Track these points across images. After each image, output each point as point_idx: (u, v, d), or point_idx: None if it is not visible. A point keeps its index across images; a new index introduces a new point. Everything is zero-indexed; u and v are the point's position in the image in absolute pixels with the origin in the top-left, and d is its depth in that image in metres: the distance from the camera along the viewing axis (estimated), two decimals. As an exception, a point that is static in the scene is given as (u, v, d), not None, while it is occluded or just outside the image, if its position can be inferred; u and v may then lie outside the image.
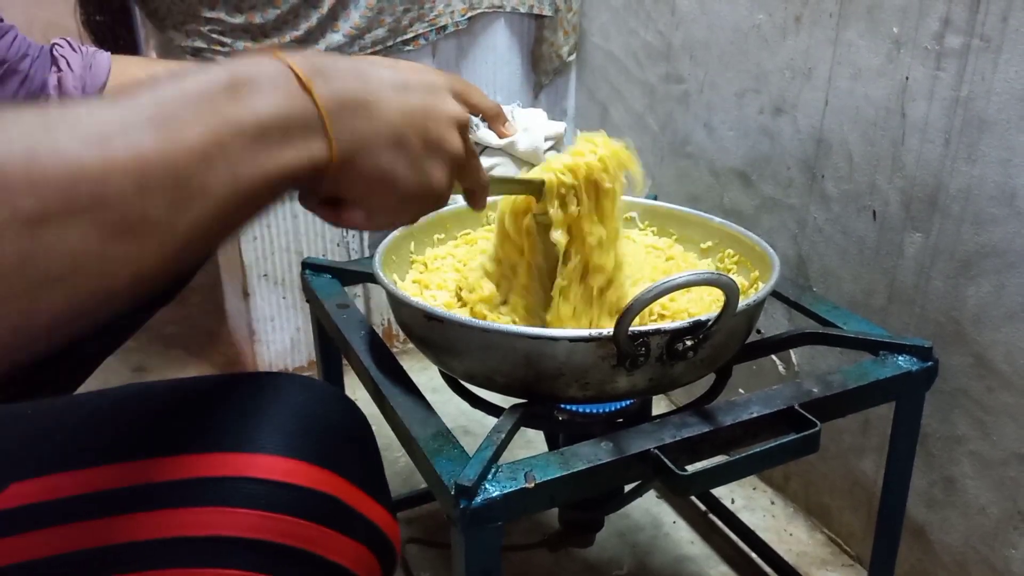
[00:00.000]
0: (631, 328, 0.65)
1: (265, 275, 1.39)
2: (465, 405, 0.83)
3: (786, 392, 0.73)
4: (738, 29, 1.09)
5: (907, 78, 0.88)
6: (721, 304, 0.66)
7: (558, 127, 1.03)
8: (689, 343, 0.69)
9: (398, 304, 0.75)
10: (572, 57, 1.45)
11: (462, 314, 0.79)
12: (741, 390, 1.20)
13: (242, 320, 1.44)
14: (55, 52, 0.81)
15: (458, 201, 1.00)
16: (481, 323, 0.71)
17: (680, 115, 1.23)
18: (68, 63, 0.81)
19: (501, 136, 0.99)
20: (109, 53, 0.85)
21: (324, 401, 0.51)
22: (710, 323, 0.68)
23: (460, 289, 0.83)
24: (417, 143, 0.48)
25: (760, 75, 1.07)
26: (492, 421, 0.70)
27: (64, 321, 0.33)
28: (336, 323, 0.87)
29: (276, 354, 1.45)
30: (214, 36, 1.22)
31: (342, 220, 0.49)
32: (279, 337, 1.44)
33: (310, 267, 0.98)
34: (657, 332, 0.67)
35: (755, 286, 0.85)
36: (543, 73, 1.46)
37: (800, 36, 1.01)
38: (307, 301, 0.97)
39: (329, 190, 0.46)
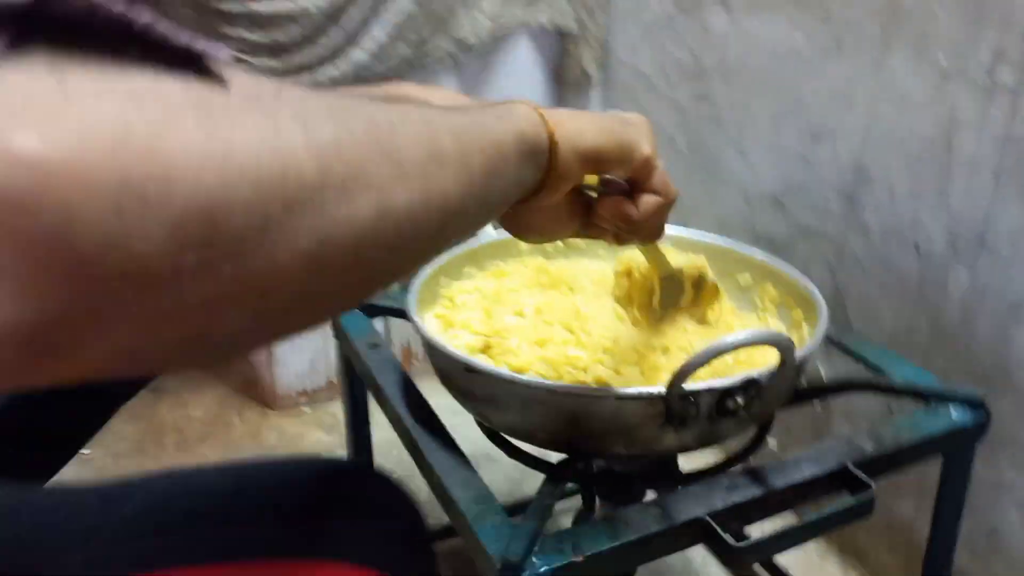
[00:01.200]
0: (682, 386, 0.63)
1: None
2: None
3: (838, 450, 0.71)
4: (775, 52, 1.06)
5: (954, 111, 0.85)
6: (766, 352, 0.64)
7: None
8: (740, 401, 0.66)
9: (434, 351, 0.73)
10: (598, 73, 1.42)
11: (490, 361, 0.76)
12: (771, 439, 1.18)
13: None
14: None
15: (489, 233, 0.97)
16: (525, 378, 0.69)
17: (711, 137, 1.20)
18: None
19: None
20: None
21: (396, 503, 0.55)
22: (762, 381, 0.66)
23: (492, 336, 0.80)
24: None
25: (797, 99, 1.04)
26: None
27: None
28: (368, 364, 0.85)
29: (295, 376, 1.43)
30: (234, 55, 1.19)
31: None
32: (298, 359, 1.42)
33: (337, 301, 0.95)
34: (708, 391, 0.65)
35: (799, 328, 0.82)
36: (568, 89, 1.43)
37: (841, 61, 0.98)
38: (335, 337, 0.95)
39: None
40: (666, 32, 1.26)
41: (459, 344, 0.79)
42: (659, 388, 0.64)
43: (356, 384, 0.96)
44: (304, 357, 1.42)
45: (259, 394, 1.49)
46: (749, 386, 0.66)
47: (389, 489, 0.57)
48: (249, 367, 1.56)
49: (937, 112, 0.87)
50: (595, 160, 0.47)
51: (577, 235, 0.57)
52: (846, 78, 0.97)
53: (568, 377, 0.73)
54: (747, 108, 1.13)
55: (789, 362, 0.64)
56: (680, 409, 0.65)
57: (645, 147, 0.51)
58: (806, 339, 0.80)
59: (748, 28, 1.10)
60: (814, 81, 1.01)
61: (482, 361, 0.73)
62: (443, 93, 0.98)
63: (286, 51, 1.20)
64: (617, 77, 1.41)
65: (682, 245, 0.96)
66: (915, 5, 0.88)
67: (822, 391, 0.81)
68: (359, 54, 1.24)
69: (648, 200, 0.54)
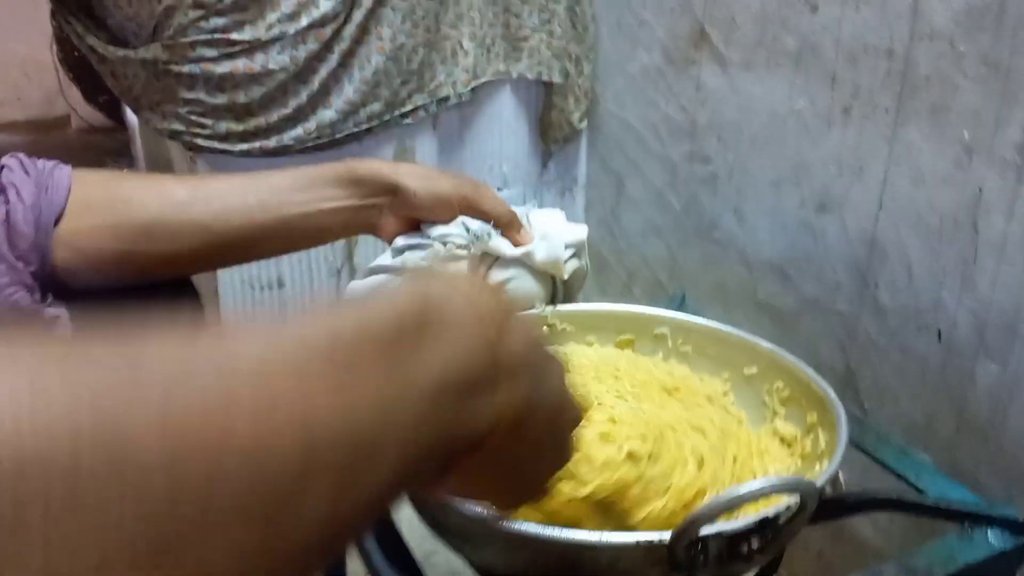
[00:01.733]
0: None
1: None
2: None
3: (867, 584, 0.63)
4: (774, 113, 0.99)
5: (980, 189, 0.78)
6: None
7: (579, 232, 0.92)
8: (755, 544, 0.58)
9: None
10: (583, 124, 1.34)
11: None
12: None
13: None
14: (3, 179, 0.70)
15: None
16: (509, 523, 0.60)
17: (706, 197, 1.13)
18: (18, 192, 0.70)
19: (516, 245, 0.89)
20: (69, 169, 0.74)
21: None
22: (780, 521, 0.58)
23: None
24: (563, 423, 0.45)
25: (800, 165, 0.97)
26: None
27: None
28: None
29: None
30: (193, 119, 1.11)
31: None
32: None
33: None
34: (719, 536, 0.57)
35: (813, 434, 0.74)
36: (552, 141, 1.35)
37: (849, 129, 0.90)
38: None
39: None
40: (656, 86, 1.18)
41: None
42: (662, 535, 0.56)
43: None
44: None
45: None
46: (765, 527, 0.58)
47: None
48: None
49: (960, 189, 0.80)
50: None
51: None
52: (854, 146, 0.90)
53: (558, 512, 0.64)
54: (745, 170, 1.05)
55: (810, 505, 0.57)
56: (686, 558, 0.57)
57: None
58: (822, 447, 0.72)
59: (744, 87, 1.02)
60: (818, 147, 0.94)
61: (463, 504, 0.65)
62: (411, 168, 0.90)
63: (249, 113, 1.12)
64: (605, 129, 1.33)
65: (679, 330, 0.88)
66: (933, 73, 0.80)
67: (843, 509, 0.73)
68: (328, 113, 1.15)
69: None
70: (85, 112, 2.91)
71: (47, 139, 3.11)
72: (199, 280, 1.06)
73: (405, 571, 0.65)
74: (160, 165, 1.40)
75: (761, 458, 0.72)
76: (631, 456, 0.63)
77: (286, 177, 0.81)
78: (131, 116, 1.84)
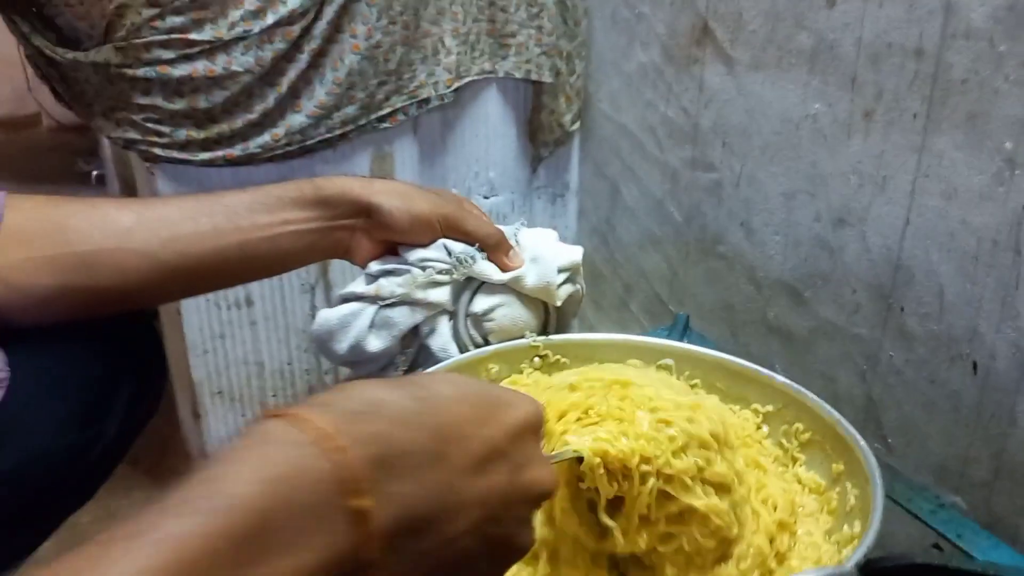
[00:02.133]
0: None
1: (219, 392, 1.18)
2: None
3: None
4: (787, 118, 0.90)
5: (1025, 208, 0.69)
6: None
7: (574, 254, 0.83)
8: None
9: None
10: (575, 126, 1.25)
11: None
12: None
13: (195, 441, 1.24)
14: None
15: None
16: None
17: (710, 208, 1.04)
18: None
19: (505, 269, 0.80)
20: (3, 195, 0.65)
21: None
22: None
23: None
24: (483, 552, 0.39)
25: (815, 176, 0.88)
26: None
27: None
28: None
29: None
30: (150, 126, 1.01)
31: None
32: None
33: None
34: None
35: (840, 487, 0.66)
36: (542, 145, 1.26)
37: (871, 136, 0.81)
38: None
39: None
40: (654, 86, 1.09)
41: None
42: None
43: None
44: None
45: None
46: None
47: None
48: (187, 461, 1.37)
49: (1000, 206, 0.71)
50: None
51: None
52: (878, 156, 0.81)
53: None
54: (754, 180, 0.96)
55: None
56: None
57: None
58: (852, 503, 0.64)
59: (753, 88, 0.93)
60: (837, 156, 0.85)
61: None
62: (387, 186, 0.81)
63: (211, 119, 1.02)
64: (599, 132, 1.24)
65: (685, 361, 0.79)
66: (970, 76, 0.71)
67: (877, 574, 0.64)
68: (298, 118, 1.06)
69: None
70: (55, 111, 2.80)
71: (17, 138, 2.99)
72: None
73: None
74: (130, 167, 1.30)
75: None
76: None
77: (244, 198, 0.72)
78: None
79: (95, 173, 2.52)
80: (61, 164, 2.74)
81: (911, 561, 0.63)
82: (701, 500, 0.54)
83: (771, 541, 0.59)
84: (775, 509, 0.62)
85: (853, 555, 0.54)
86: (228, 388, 1.18)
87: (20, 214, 0.65)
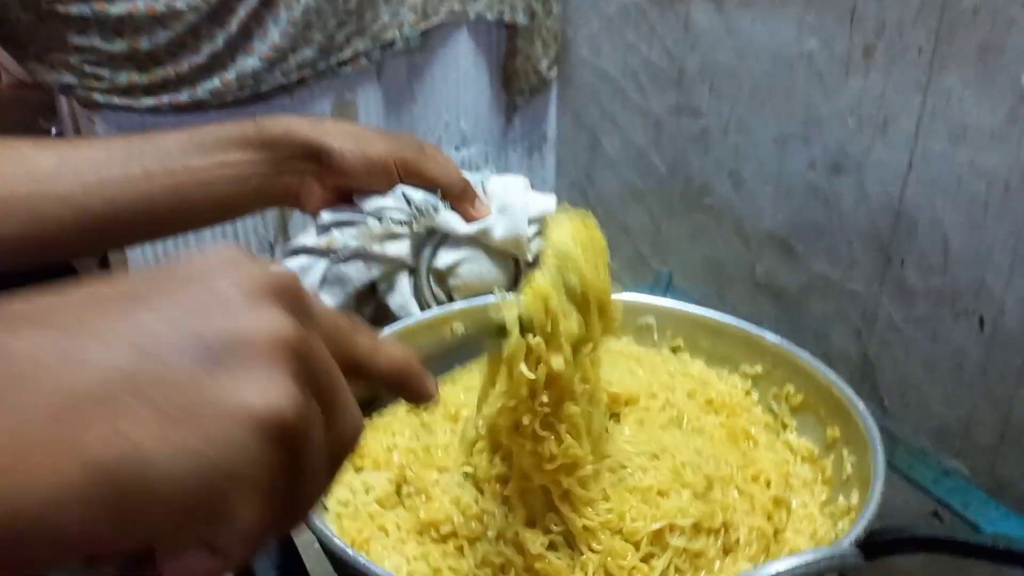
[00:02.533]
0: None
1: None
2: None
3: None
4: (779, 58, 0.83)
5: (1041, 148, 0.63)
6: None
7: (546, 204, 0.76)
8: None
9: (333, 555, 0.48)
10: (552, 72, 1.18)
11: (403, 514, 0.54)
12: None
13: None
14: None
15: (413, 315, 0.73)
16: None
17: (696, 157, 0.97)
18: None
19: (469, 220, 0.73)
20: None
21: None
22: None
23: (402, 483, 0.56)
24: None
25: (810, 120, 0.81)
26: None
27: None
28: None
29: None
30: (87, 69, 0.92)
31: None
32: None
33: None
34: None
35: (835, 454, 0.60)
36: (517, 92, 1.18)
37: (872, 75, 0.75)
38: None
39: None
40: (636, 27, 1.02)
41: (372, 501, 0.56)
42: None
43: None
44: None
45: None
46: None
47: None
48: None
49: (1014, 149, 0.65)
50: None
51: None
52: (878, 96, 0.74)
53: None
54: (743, 126, 0.89)
55: (850, 576, 0.43)
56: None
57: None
58: (849, 472, 0.58)
59: (743, 27, 0.86)
60: (833, 98, 0.78)
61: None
62: (339, 127, 0.73)
63: (155, 62, 0.94)
64: (578, 79, 1.16)
65: (667, 319, 0.73)
66: (981, 4, 0.65)
67: (877, 549, 0.59)
68: (250, 61, 0.97)
69: None
70: (13, 68, 2.68)
71: (-27, 96, 2.88)
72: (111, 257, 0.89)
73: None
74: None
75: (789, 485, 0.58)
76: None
77: (179, 139, 0.65)
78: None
79: (55, 131, 2.42)
80: (21, 121, 2.64)
81: (913, 534, 0.58)
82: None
83: (768, 518, 0.54)
84: (768, 486, 0.56)
85: (851, 530, 0.48)
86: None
87: None
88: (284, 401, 0.23)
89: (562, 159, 1.24)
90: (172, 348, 0.22)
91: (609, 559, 0.48)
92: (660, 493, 0.51)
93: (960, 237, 0.71)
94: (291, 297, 0.26)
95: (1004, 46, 0.64)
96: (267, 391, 0.23)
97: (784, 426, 0.65)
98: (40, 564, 0.20)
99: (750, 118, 0.88)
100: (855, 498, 0.56)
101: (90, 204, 0.62)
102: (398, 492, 0.56)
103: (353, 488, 0.57)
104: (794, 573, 0.40)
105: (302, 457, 0.24)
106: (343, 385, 0.28)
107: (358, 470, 0.59)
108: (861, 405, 0.59)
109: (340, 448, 0.28)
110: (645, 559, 0.48)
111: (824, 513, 0.58)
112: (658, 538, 0.49)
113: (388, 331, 0.67)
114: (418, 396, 0.33)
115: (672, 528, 0.49)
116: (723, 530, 0.51)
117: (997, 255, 0.68)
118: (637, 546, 0.48)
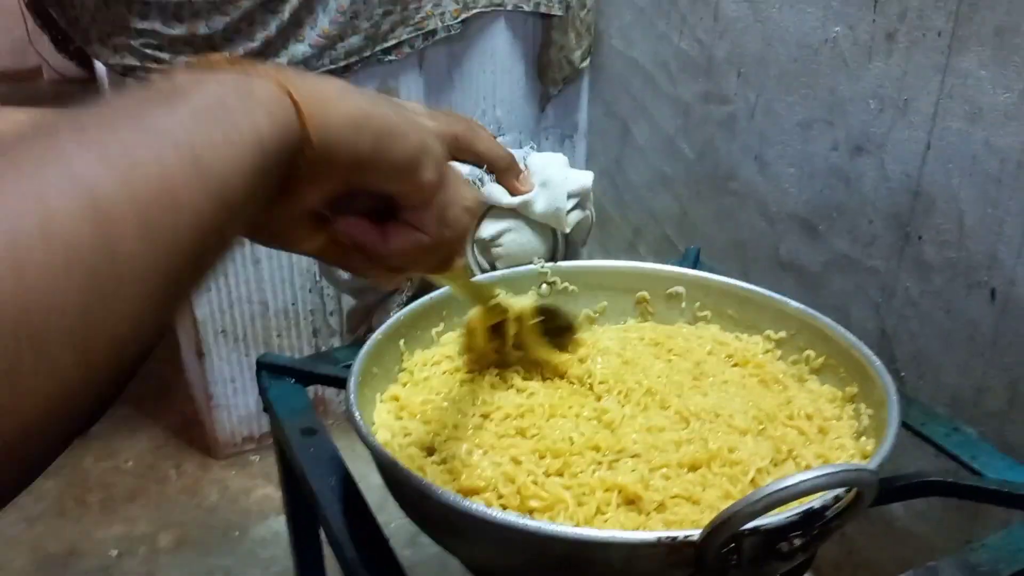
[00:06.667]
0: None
1: (223, 331, 1.16)
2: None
3: (923, 588, 0.53)
4: (805, 44, 0.87)
5: (1052, 125, 0.67)
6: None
7: (583, 179, 0.81)
8: (797, 541, 0.48)
9: (383, 466, 0.53)
10: (585, 63, 1.22)
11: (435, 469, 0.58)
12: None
13: (198, 382, 1.23)
14: None
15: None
16: (500, 517, 0.50)
17: (723, 143, 1.01)
18: None
19: (514, 193, 0.77)
20: None
21: None
22: (828, 515, 0.48)
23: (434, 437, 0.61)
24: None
25: (834, 103, 0.85)
26: None
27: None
28: (299, 458, 0.66)
29: (238, 420, 1.23)
30: (148, 52, 0.98)
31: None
32: (241, 401, 1.22)
33: (266, 368, 0.75)
34: (754, 532, 0.47)
35: (854, 407, 0.64)
36: (551, 82, 1.23)
37: (893, 58, 0.78)
38: (264, 411, 0.76)
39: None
40: (667, 18, 1.06)
41: (411, 442, 0.60)
42: (690, 533, 0.46)
43: (290, 469, 0.77)
44: (248, 399, 1.23)
45: (199, 439, 1.30)
46: (810, 521, 0.48)
47: None
48: (189, 403, 1.36)
49: (1026, 125, 0.69)
50: (359, 168, 0.36)
51: (321, 252, 0.42)
52: (899, 78, 0.78)
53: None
54: (769, 111, 0.93)
55: (867, 498, 0.47)
56: (718, 560, 0.47)
57: (428, 170, 0.38)
58: (865, 424, 0.62)
59: (770, 14, 0.90)
60: (857, 81, 0.82)
61: (437, 485, 0.55)
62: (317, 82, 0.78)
63: (211, 46, 1.00)
64: (610, 69, 1.21)
65: (695, 289, 0.77)
66: (998, -12, 0.69)
67: (890, 494, 0.63)
68: (300, 47, 1.03)
69: (403, 235, 0.40)
70: (57, 62, 2.76)
71: (18, 90, 2.97)
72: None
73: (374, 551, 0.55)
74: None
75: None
76: None
77: None
78: (100, 65, 1.71)
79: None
80: (63, 116, 2.72)
81: (924, 479, 0.62)
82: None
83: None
84: (810, 419, 0.61)
85: (874, 456, 0.52)
86: (232, 327, 1.17)
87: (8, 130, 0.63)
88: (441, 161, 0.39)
89: (593, 147, 1.29)
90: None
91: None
92: (731, 450, 0.56)
93: (975, 212, 0.74)
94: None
95: (1020, 27, 0.68)
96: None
97: (804, 380, 0.69)
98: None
99: (776, 103, 0.92)
100: (871, 447, 0.60)
101: None
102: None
103: (394, 431, 0.62)
104: (816, 482, 0.43)
105: (448, 183, 0.40)
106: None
107: (399, 417, 0.63)
108: (878, 362, 0.62)
109: (465, 213, 0.42)
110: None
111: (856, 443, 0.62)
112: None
113: (436, 295, 0.71)
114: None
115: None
116: (789, 459, 0.56)
117: (1009, 229, 0.72)
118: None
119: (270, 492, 1.20)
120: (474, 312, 0.62)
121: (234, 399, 1.21)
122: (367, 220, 0.40)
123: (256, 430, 1.25)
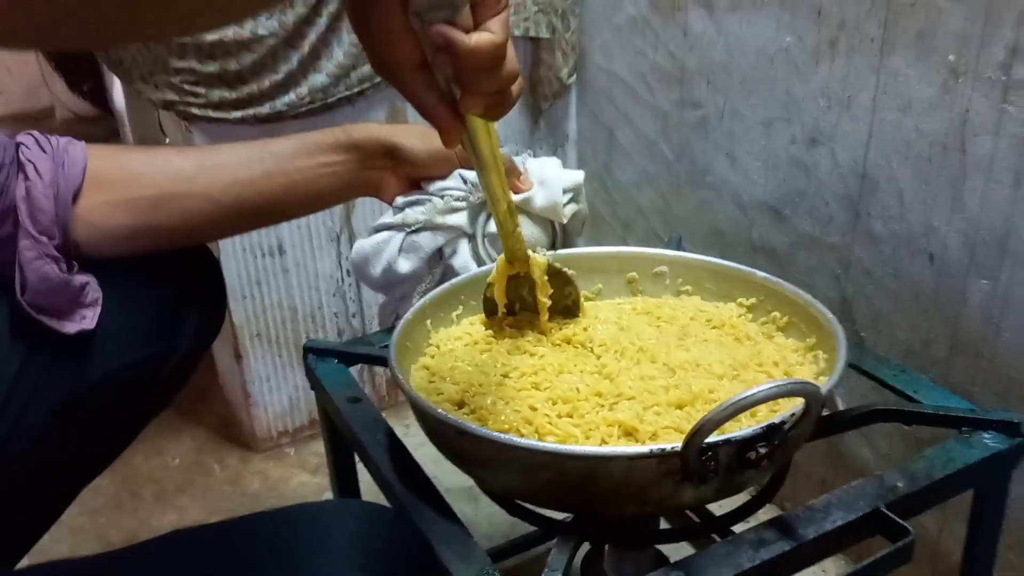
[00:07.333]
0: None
1: (258, 335, 1.29)
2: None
3: (868, 491, 0.66)
4: (762, 53, 1.00)
5: (967, 111, 0.79)
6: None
7: (576, 176, 0.94)
8: (763, 451, 0.60)
9: (423, 414, 0.66)
10: (572, 79, 1.35)
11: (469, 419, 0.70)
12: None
13: (235, 382, 1.35)
14: (21, 156, 0.70)
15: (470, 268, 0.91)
16: (525, 442, 0.62)
17: (698, 143, 1.14)
18: (36, 168, 0.70)
19: (516, 191, 0.90)
20: (83, 144, 0.74)
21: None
22: (787, 427, 0.60)
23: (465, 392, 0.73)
24: None
25: (790, 103, 0.98)
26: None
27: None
28: (348, 421, 0.78)
29: (274, 415, 1.35)
30: (186, 88, 1.11)
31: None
32: (276, 398, 1.34)
33: (313, 351, 0.88)
34: (728, 443, 0.59)
35: (813, 354, 0.76)
36: (542, 98, 1.36)
37: (836, 62, 0.91)
38: (312, 389, 0.88)
39: None
40: (643, 35, 1.19)
41: (444, 399, 0.72)
42: (674, 444, 0.58)
43: (337, 436, 0.89)
44: (282, 396, 1.35)
45: (238, 436, 1.42)
46: (772, 434, 0.60)
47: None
48: (226, 407, 1.48)
49: (948, 114, 0.81)
50: None
51: (414, 75, 0.52)
52: (842, 79, 0.91)
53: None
54: (736, 113, 1.06)
55: (815, 410, 0.59)
56: (698, 465, 0.59)
57: None
58: (822, 366, 0.74)
59: (732, 29, 1.04)
60: (807, 83, 0.95)
61: (473, 423, 0.67)
62: (407, 128, 0.91)
63: (241, 81, 1.12)
64: (594, 83, 1.34)
65: (677, 267, 0.90)
66: (917, 0, 0.82)
67: (844, 423, 0.75)
68: (319, 77, 1.16)
69: (480, 34, 0.48)
70: (69, 102, 2.89)
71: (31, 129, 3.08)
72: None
73: (430, 502, 0.67)
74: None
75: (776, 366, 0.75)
76: None
77: (287, 145, 0.82)
78: (117, 102, 1.84)
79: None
80: (78, 153, 2.83)
81: (873, 407, 0.74)
82: None
83: None
84: (777, 365, 0.73)
85: (827, 379, 0.64)
86: (265, 331, 1.29)
87: (96, 161, 0.74)
88: None
89: (583, 153, 1.42)
90: None
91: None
92: (710, 391, 0.68)
93: (912, 189, 0.87)
94: None
95: (936, 31, 0.81)
96: None
97: (771, 337, 0.81)
98: None
99: (741, 106, 1.05)
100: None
101: (224, 200, 0.77)
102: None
103: (428, 392, 0.74)
104: (769, 392, 0.55)
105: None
106: None
107: (431, 381, 0.76)
108: (830, 315, 0.75)
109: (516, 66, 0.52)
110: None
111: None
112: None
113: (455, 282, 0.84)
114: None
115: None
116: None
117: (940, 201, 0.84)
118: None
119: (305, 479, 1.32)
120: (498, 261, 0.77)
121: (269, 396, 1.34)
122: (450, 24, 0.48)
123: (290, 424, 1.37)
